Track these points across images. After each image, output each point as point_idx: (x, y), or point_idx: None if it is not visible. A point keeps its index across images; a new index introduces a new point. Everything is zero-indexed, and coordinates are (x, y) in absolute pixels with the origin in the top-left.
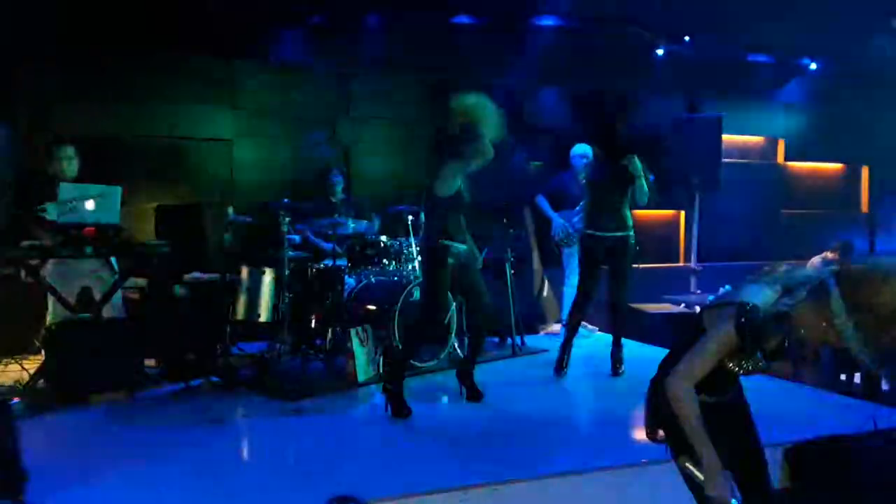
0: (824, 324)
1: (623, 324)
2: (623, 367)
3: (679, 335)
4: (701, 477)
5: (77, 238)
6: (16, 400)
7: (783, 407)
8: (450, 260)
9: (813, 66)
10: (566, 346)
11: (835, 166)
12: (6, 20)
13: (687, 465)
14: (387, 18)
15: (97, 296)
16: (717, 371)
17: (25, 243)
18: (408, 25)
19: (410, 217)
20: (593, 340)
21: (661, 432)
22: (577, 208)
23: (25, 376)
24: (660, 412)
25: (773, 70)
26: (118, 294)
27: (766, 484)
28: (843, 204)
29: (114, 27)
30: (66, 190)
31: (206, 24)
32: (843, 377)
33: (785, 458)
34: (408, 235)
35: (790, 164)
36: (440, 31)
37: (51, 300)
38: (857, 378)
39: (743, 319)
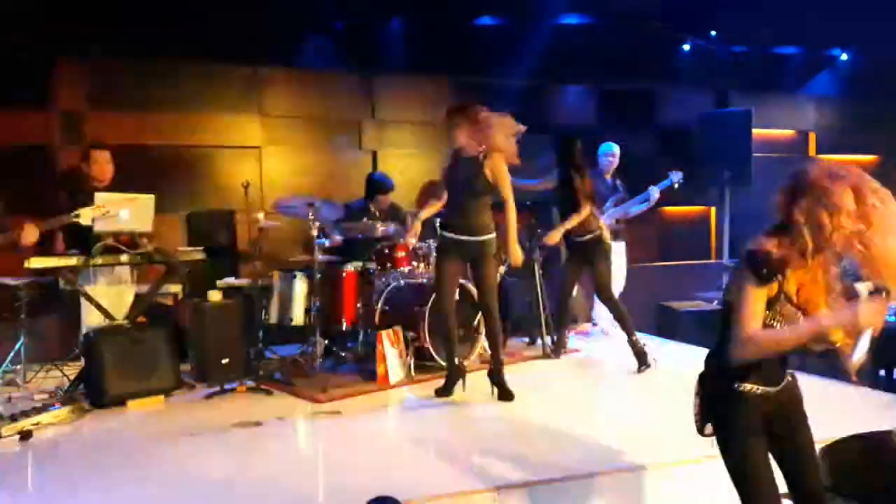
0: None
1: (620, 317)
2: (646, 361)
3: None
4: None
5: (112, 246)
6: (56, 405)
7: (821, 403)
8: (444, 249)
9: (844, 56)
10: (560, 334)
11: (868, 158)
12: (40, 28)
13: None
14: (410, 21)
15: (126, 303)
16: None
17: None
18: (431, 28)
19: (438, 219)
20: (622, 340)
21: (709, 427)
22: (608, 205)
23: (66, 382)
24: (708, 406)
25: (803, 62)
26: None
27: (815, 482)
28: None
29: (143, 35)
30: (100, 197)
31: (232, 32)
32: (881, 373)
33: (823, 455)
34: (435, 237)
35: (822, 157)
36: (463, 33)
37: (84, 308)
38: None
39: (748, 255)
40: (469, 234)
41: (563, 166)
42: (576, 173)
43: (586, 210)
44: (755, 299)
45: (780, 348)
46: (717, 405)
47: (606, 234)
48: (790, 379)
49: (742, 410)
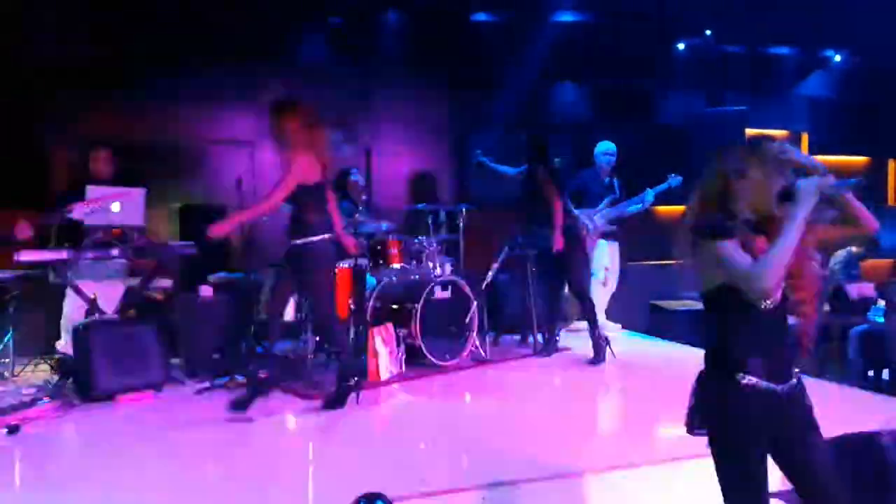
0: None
1: (587, 310)
2: (601, 357)
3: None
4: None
5: (103, 240)
6: (45, 399)
7: None
8: None
9: (837, 57)
10: (551, 332)
11: (860, 159)
12: (35, 24)
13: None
14: (405, 17)
15: (117, 297)
16: (761, 332)
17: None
18: (427, 23)
19: (430, 216)
20: (617, 339)
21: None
22: (601, 205)
23: (54, 376)
24: (702, 399)
25: (796, 62)
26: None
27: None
28: (868, 198)
29: (138, 30)
30: (91, 190)
31: (226, 27)
32: (870, 374)
33: None
34: (428, 234)
35: (814, 158)
36: (459, 29)
37: (66, 301)
38: (886, 374)
39: (694, 229)
40: None
41: (531, 163)
42: (542, 170)
43: (558, 206)
44: (731, 249)
45: (786, 253)
46: (712, 396)
47: (579, 227)
48: (797, 381)
49: (738, 402)
